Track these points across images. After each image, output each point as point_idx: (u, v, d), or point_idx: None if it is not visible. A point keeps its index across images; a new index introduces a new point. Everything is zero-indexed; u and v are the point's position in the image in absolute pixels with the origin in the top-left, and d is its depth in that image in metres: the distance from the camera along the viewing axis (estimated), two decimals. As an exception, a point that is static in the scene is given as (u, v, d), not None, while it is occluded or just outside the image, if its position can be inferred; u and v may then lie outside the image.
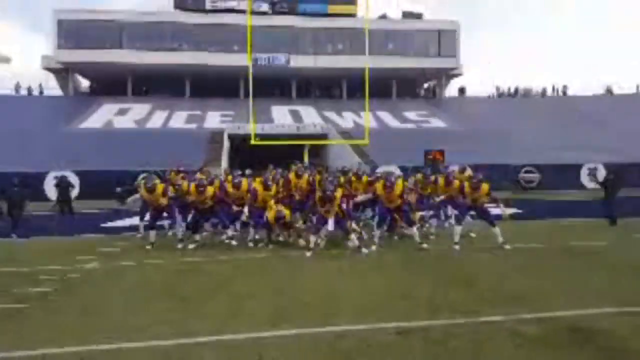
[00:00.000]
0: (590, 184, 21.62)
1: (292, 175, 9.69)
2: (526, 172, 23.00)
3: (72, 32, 33.27)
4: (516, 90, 42.19)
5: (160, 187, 8.87)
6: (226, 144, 25.54)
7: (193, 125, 28.72)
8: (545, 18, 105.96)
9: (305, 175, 9.75)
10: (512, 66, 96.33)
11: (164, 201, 8.91)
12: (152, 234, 8.90)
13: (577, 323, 4.33)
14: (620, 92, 39.15)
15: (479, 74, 79.26)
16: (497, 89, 42.35)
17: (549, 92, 41.52)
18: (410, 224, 8.53)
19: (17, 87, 34.71)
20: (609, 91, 40.16)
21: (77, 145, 22.68)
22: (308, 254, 7.82)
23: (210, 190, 8.89)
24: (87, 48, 32.90)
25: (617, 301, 4.98)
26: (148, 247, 8.65)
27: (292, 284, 6.13)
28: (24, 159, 19.91)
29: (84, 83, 38.92)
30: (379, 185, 8.46)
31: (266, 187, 9.00)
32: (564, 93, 40.96)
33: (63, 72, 35.65)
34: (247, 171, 11.45)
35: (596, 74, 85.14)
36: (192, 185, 8.90)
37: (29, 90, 35.16)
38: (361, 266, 7.13)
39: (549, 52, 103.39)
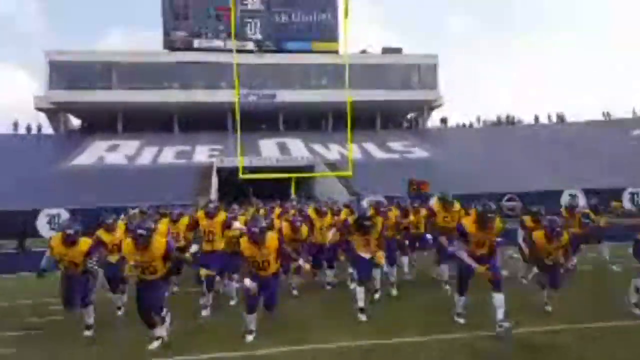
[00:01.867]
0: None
1: (312, 214, 8.10)
2: (507, 200, 23.56)
3: (63, 73, 34.34)
4: (498, 119, 43.57)
5: (84, 242, 5.64)
6: (214, 177, 26.18)
7: (182, 160, 29.41)
8: (538, 47, 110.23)
9: (329, 214, 8.19)
10: (503, 96, 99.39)
11: (79, 265, 5.62)
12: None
13: (527, 339, 4.95)
14: (616, 117, 38.69)
15: (465, 104, 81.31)
16: (478, 118, 43.84)
17: (544, 120, 41.38)
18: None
19: (15, 126, 35.14)
20: (606, 115, 39.55)
21: (70, 182, 23.18)
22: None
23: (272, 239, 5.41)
24: (79, 88, 33.93)
25: (563, 319, 5.55)
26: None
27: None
28: (19, 197, 20.31)
29: (75, 121, 39.65)
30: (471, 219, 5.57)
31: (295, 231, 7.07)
32: (562, 120, 40.74)
33: (54, 111, 36.42)
34: (235, 206, 10.45)
35: (596, 99, 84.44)
36: (286, 224, 7.18)
37: (28, 128, 35.62)
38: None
39: (547, 81, 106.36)
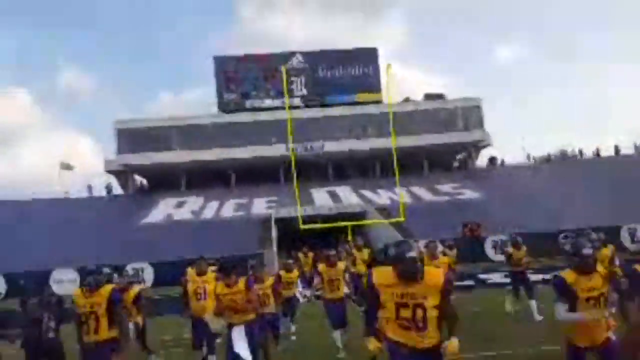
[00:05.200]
0: (632, 245, 21.64)
1: None
2: (564, 237, 23.14)
3: (129, 139, 38.08)
4: (549, 155, 43.10)
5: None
6: (274, 228, 27.61)
7: (242, 213, 31.23)
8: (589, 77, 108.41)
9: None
10: (556, 129, 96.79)
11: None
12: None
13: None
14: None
15: (517, 139, 79.16)
16: (528, 156, 43.50)
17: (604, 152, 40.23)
18: None
19: (90, 189, 38.81)
20: None
21: (145, 239, 25.35)
22: None
23: None
24: (144, 151, 37.37)
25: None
26: None
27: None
28: (100, 254, 22.46)
29: (141, 181, 43.12)
30: None
31: None
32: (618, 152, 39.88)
33: (123, 173, 39.93)
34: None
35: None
36: None
37: (108, 189, 39.12)
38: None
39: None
